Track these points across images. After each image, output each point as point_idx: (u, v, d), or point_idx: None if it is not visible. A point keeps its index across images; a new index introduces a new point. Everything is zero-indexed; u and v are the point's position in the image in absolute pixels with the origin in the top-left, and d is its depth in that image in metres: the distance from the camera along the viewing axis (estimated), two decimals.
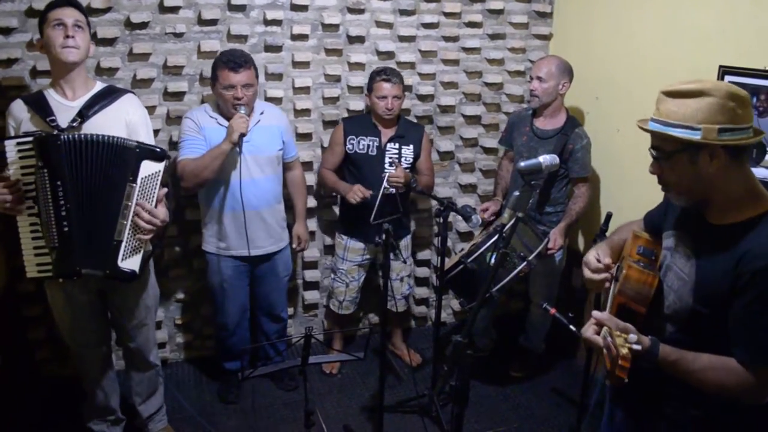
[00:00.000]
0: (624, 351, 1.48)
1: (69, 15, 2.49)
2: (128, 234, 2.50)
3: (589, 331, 1.67)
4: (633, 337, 1.55)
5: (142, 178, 2.49)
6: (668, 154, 1.63)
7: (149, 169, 2.51)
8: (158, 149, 2.57)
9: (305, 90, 3.70)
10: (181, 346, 3.93)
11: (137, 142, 2.53)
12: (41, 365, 3.59)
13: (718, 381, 1.61)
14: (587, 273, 1.92)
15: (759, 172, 2.72)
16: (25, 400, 3.30)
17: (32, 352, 3.54)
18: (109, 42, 3.29)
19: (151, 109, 3.42)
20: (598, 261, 1.91)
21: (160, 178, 2.54)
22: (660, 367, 1.62)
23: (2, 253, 3.26)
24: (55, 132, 2.47)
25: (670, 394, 1.81)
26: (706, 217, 1.71)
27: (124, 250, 2.50)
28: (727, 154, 1.58)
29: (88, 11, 3.19)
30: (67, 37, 2.47)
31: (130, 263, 2.54)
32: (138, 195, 2.49)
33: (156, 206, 2.55)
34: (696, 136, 1.56)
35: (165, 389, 3.24)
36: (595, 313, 1.68)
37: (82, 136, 2.44)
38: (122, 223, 2.47)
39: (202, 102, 3.42)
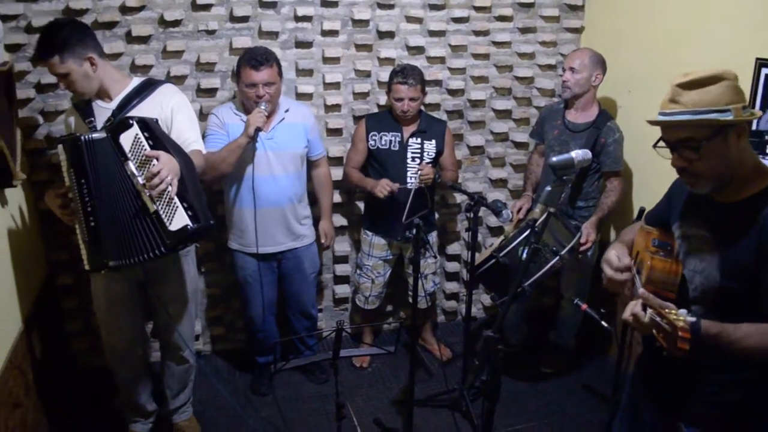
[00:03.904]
0: (681, 323, 1.51)
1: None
2: (159, 200, 2.46)
3: (637, 307, 1.70)
4: (683, 311, 1.57)
5: (129, 151, 2.48)
6: (706, 140, 1.67)
7: (128, 138, 2.49)
8: (120, 119, 2.57)
9: (335, 85, 3.72)
10: (213, 338, 3.99)
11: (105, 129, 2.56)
12: (78, 356, 3.67)
13: (762, 345, 1.61)
14: (609, 271, 1.96)
15: None
16: (62, 390, 3.37)
17: (70, 343, 3.63)
18: (144, 40, 3.34)
19: None
20: (619, 260, 1.94)
21: (142, 138, 2.49)
22: (703, 342, 1.61)
23: (42, 247, 3.35)
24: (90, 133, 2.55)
25: (708, 380, 1.82)
26: (715, 198, 1.77)
27: (165, 215, 2.47)
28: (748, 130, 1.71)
29: (123, 10, 3.26)
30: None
31: (178, 221, 2.48)
32: (136, 165, 2.47)
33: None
34: (729, 117, 1.65)
35: (202, 379, 3.31)
36: (642, 291, 1.72)
37: (94, 136, 2.51)
38: (145, 195, 2.46)
39: (234, 98, 3.46)
